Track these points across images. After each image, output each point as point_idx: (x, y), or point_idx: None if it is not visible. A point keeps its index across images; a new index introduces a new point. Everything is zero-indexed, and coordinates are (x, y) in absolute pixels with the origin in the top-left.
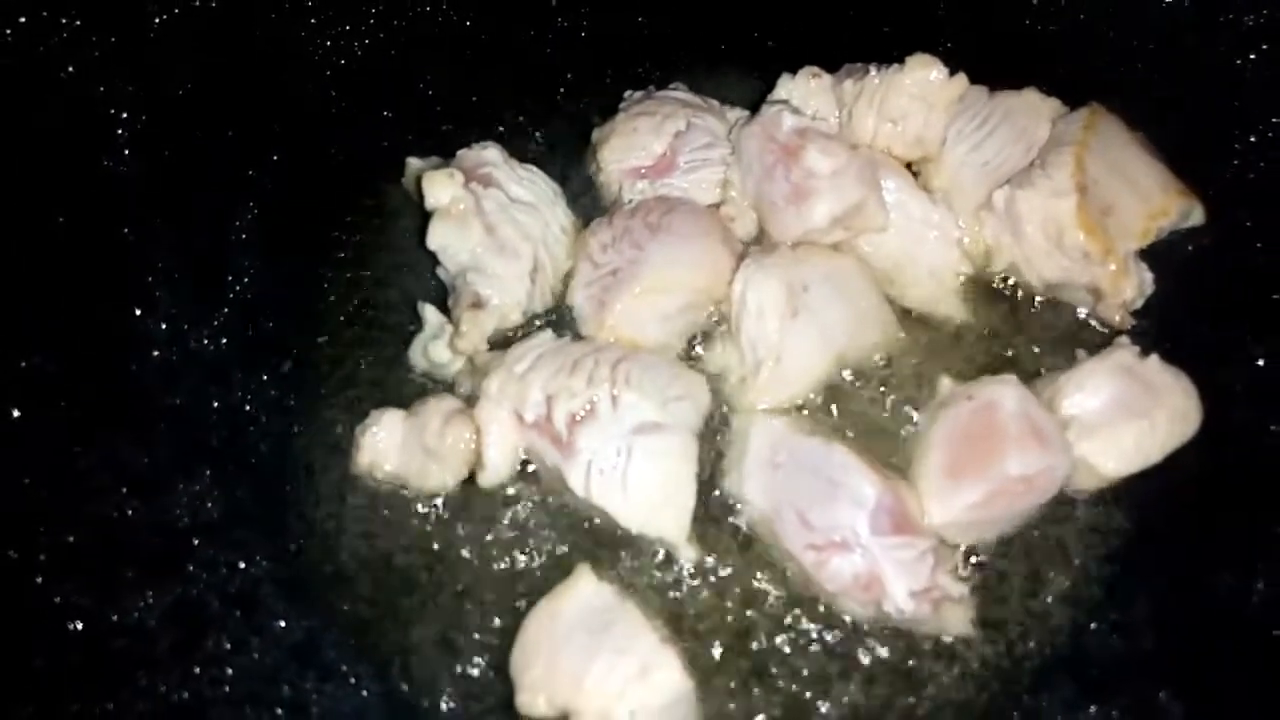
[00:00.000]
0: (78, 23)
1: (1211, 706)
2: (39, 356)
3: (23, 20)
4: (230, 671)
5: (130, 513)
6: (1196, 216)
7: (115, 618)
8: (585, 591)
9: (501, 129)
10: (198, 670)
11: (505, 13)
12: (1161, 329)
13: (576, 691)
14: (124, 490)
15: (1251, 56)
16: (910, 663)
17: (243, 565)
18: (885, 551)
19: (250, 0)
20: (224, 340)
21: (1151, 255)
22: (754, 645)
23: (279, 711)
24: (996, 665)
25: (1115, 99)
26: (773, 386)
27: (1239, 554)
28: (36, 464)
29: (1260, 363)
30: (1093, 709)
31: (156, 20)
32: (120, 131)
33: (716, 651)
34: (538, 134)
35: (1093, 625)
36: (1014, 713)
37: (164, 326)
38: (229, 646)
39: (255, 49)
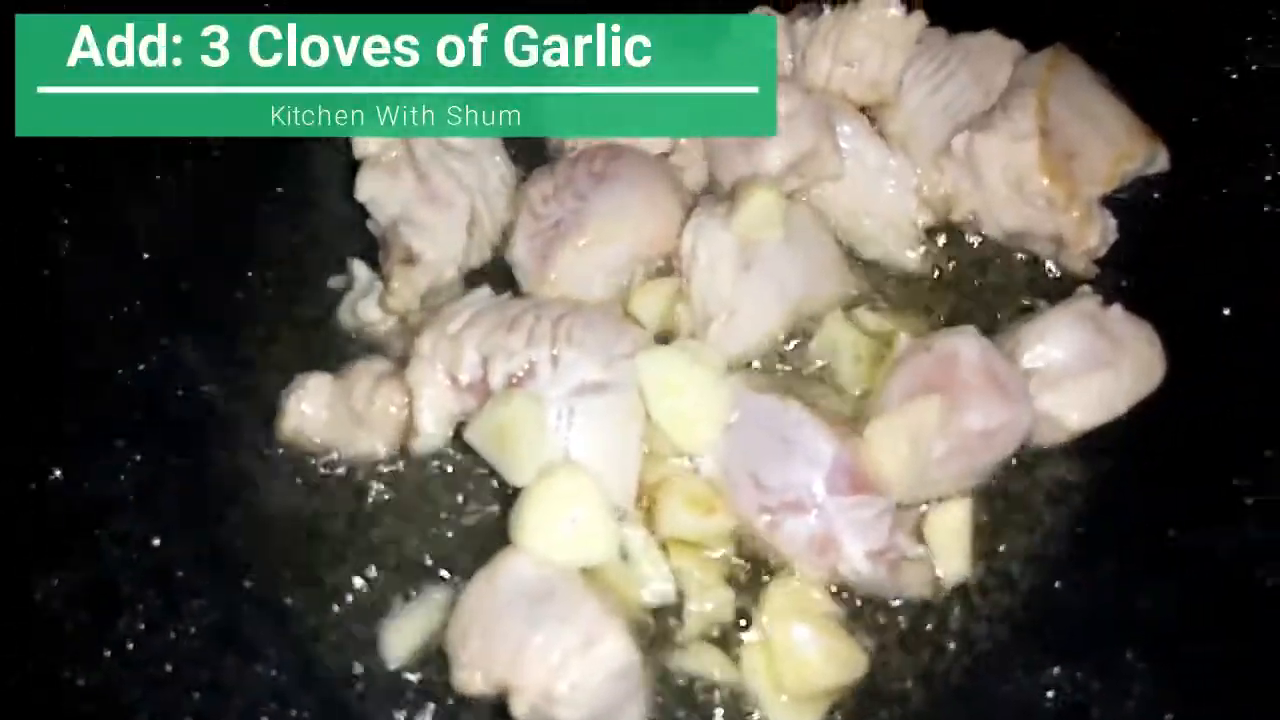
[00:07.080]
0: None
1: (1178, 665)
2: None
3: None
4: (145, 655)
5: (35, 487)
6: (1161, 161)
7: (16, 602)
8: (525, 559)
9: None
10: (108, 654)
11: None
12: (1124, 278)
13: (514, 666)
14: (35, 461)
15: None
16: (874, 629)
17: (158, 541)
18: (842, 512)
19: None
20: (140, 301)
21: (1114, 202)
22: None
23: (196, 696)
24: (955, 628)
25: (1078, 40)
26: (725, 342)
27: (1204, 510)
28: None
29: (1226, 312)
30: (1056, 670)
31: None
32: None
33: (664, 620)
34: None
35: (1056, 584)
36: (976, 675)
37: (77, 287)
38: (143, 628)
39: None
